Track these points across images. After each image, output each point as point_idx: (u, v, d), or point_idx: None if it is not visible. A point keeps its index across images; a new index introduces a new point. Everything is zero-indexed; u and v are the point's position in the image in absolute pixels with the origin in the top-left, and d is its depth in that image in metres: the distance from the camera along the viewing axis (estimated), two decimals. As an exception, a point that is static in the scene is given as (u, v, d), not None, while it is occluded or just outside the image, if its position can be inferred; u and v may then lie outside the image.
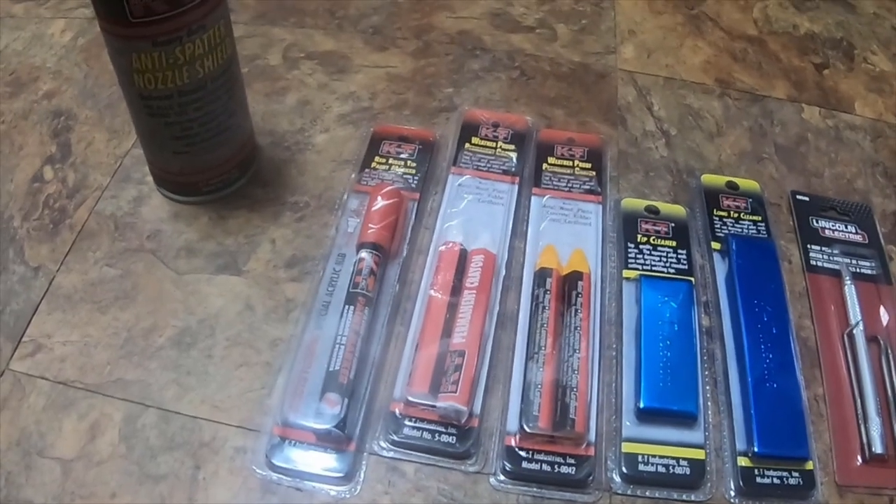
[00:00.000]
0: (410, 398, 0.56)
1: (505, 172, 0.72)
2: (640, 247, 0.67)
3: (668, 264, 0.66)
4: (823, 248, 0.69)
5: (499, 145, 0.74)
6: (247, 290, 0.64)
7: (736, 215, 0.70)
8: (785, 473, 0.55)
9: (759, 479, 0.55)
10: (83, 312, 0.63)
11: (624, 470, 0.55)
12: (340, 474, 0.54)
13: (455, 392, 0.56)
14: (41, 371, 0.59)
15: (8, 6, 0.91)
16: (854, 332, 0.63)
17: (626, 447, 0.56)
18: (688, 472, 0.55)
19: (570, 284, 0.62)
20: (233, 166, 0.69)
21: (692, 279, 0.65)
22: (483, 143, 0.74)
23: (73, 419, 0.57)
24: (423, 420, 0.56)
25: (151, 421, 0.57)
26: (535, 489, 0.54)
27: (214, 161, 0.67)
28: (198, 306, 0.63)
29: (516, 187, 0.71)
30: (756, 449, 0.55)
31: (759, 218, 0.70)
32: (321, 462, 0.54)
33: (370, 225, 0.65)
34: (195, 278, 0.65)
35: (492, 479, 0.55)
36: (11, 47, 0.86)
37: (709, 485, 0.55)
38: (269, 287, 0.64)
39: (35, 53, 0.85)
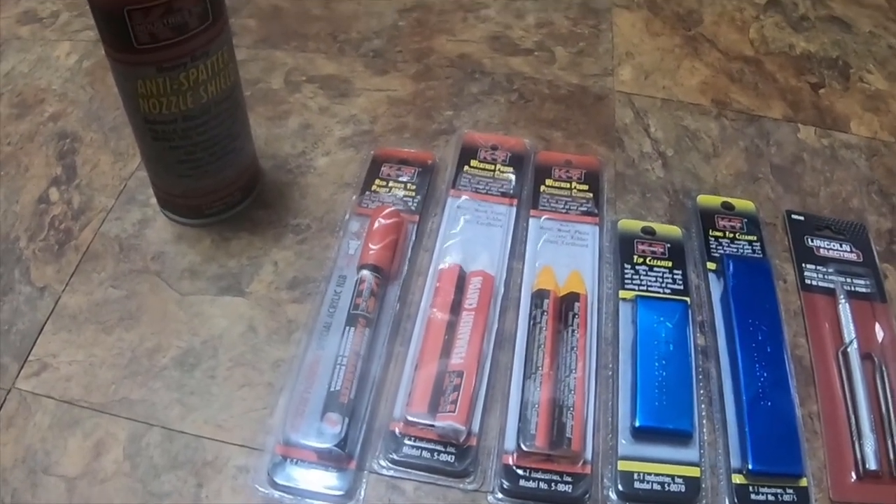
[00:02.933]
0: (410, 417, 0.57)
1: (503, 194, 0.73)
2: (637, 267, 0.68)
3: (663, 285, 0.67)
4: (818, 267, 0.70)
5: (497, 168, 0.75)
6: (249, 311, 0.65)
7: (731, 235, 0.71)
8: (779, 490, 0.56)
9: (753, 497, 0.56)
10: (88, 332, 0.64)
11: (620, 488, 0.55)
12: (341, 492, 0.55)
13: (454, 411, 0.56)
14: (47, 390, 0.60)
15: (14, 28, 0.92)
16: (848, 349, 0.64)
17: (623, 465, 0.56)
18: (683, 490, 0.55)
19: (567, 305, 0.63)
20: (236, 189, 0.70)
21: (688, 299, 0.66)
22: (482, 165, 0.75)
23: (78, 437, 0.58)
24: (422, 439, 0.57)
25: (155, 440, 0.58)
26: (532, 507, 0.55)
27: (218, 184, 0.68)
28: (201, 327, 0.64)
29: (514, 209, 0.72)
30: (751, 466, 0.56)
31: (755, 238, 0.71)
32: (322, 480, 0.55)
33: (370, 247, 0.66)
34: (198, 299, 0.66)
35: (490, 497, 0.55)
36: (18, 69, 0.87)
37: (704, 502, 0.55)
38: (271, 308, 0.65)
39: (41, 76, 0.86)
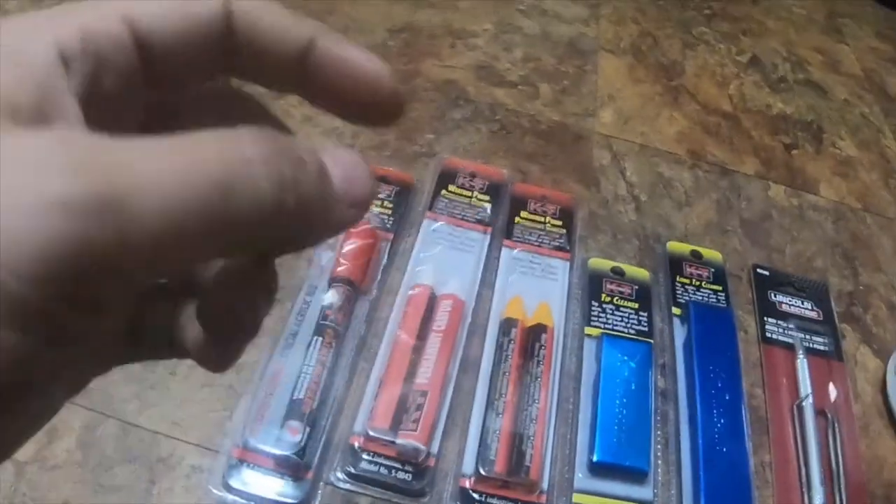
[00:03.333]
0: (371, 432, 0.57)
1: (478, 222, 0.73)
2: (604, 306, 0.68)
3: (629, 325, 0.67)
4: (779, 322, 0.71)
5: (474, 195, 0.76)
6: (216, 312, 0.65)
7: (698, 283, 0.72)
8: (728, 536, 0.57)
9: (702, 540, 0.57)
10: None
11: (573, 520, 0.56)
12: (295, 501, 0.54)
13: (415, 430, 0.57)
14: (3, 374, 0.59)
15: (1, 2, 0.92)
16: (803, 404, 0.65)
17: (577, 498, 0.57)
18: (634, 528, 0.56)
19: (534, 336, 0.64)
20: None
21: (651, 341, 0.66)
22: (459, 191, 0.76)
23: (31, 424, 0.57)
24: (380, 455, 0.57)
25: (110, 431, 0.57)
26: (484, 532, 0.55)
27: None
28: (166, 324, 0.64)
29: (488, 237, 0.72)
30: (702, 510, 0.57)
31: (720, 287, 0.72)
32: (277, 488, 0.55)
33: (344, 260, 0.66)
34: (166, 296, 0.65)
35: (443, 519, 0.56)
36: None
37: (654, 542, 0.56)
38: (238, 311, 0.65)
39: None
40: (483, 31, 0.99)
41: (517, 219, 0.75)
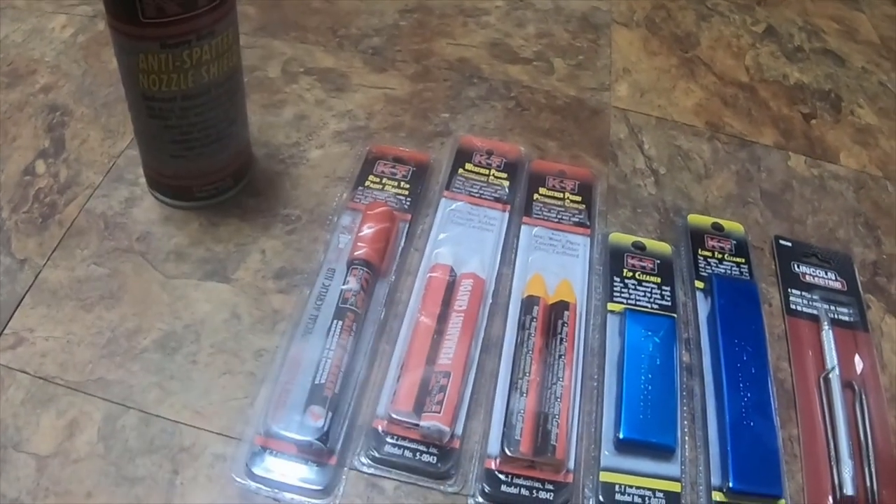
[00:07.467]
0: (394, 415, 0.56)
1: (497, 200, 0.73)
2: (626, 281, 0.68)
3: (652, 300, 0.66)
4: (803, 293, 0.70)
5: (492, 173, 0.75)
6: (234, 298, 0.64)
7: (720, 256, 0.71)
8: (758, 511, 0.56)
9: (732, 515, 0.56)
10: (68, 309, 0.63)
11: (601, 498, 0.55)
12: (319, 487, 0.54)
13: (439, 412, 0.56)
14: (21, 364, 0.59)
15: (9, -3, 0.91)
16: (830, 376, 0.64)
17: (604, 476, 0.56)
18: (663, 505, 0.55)
19: (557, 314, 0.63)
20: (227, 174, 0.69)
21: (675, 316, 0.66)
22: (476, 169, 0.75)
23: (52, 415, 0.56)
24: (404, 438, 0.56)
25: (131, 422, 0.57)
26: (512, 513, 0.55)
27: (210, 167, 0.68)
28: (184, 311, 0.63)
29: (507, 215, 0.72)
30: (731, 484, 0.56)
31: (743, 260, 0.71)
32: (301, 474, 0.54)
33: (361, 243, 0.65)
34: (183, 283, 0.65)
35: (470, 501, 0.55)
36: (11, 38, 0.86)
37: (683, 518, 0.55)
38: (256, 297, 0.64)
39: (34, 46, 0.85)
40: (495, 9, 0.98)
41: (536, 196, 0.74)
